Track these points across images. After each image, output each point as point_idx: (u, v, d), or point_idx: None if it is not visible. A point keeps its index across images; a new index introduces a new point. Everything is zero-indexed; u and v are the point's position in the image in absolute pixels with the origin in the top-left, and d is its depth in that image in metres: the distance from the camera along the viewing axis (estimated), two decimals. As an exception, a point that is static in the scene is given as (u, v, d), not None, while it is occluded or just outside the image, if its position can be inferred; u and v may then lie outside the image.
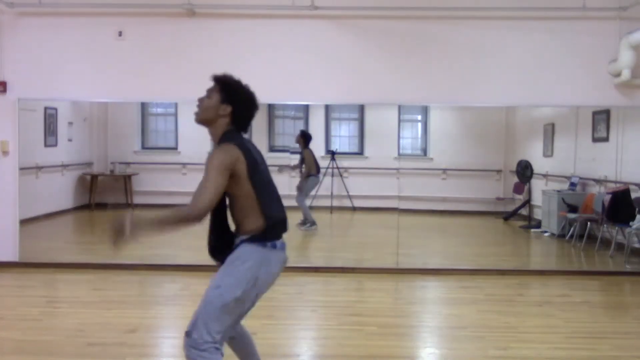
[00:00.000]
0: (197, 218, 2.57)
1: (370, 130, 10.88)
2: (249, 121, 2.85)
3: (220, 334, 2.68)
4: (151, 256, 7.01)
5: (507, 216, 9.97)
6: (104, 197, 10.41)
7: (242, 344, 3.02)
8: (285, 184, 8.94)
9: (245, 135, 2.89)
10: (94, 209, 10.23)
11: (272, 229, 2.75)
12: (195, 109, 2.80)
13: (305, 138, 8.97)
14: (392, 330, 4.54)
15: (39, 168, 8.59)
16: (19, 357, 3.85)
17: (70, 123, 9.74)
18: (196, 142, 11.02)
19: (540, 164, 9.53)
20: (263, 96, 7.16)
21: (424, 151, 11.10)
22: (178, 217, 2.59)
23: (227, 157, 2.62)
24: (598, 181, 8.09)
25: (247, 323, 4.56)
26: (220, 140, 2.76)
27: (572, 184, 8.64)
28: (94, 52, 6.50)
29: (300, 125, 10.18)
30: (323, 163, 10.03)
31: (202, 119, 2.80)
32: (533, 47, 6.47)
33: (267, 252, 2.73)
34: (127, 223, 2.56)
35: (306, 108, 10.31)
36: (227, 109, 2.77)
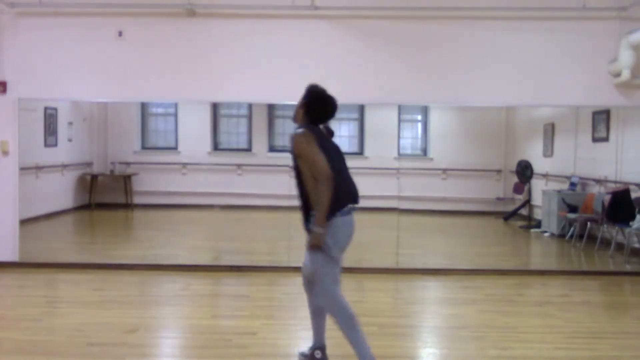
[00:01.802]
0: (329, 179, 3.24)
1: (370, 130, 10.89)
2: (321, 115, 3.50)
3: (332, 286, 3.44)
4: (151, 256, 7.02)
5: (507, 216, 9.97)
6: (104, 197, 10.42)
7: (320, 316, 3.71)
8: (285, 184, 8.95)
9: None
10: (94, 209, 10.24)
11: (337, 201, 3.29)
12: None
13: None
14: (392, 330, 4.54)
15: (39, 168, 8.60)
16: (19, 357, 3.85)
17: (70, 123, 9.75)
18: (196, 142, 11.15)
19: (540, 164, 9.53)
20: (263, 96, 7.15)
21: (424, 151, 11.11)
22: (324, 193, 3.23)
23: (305, 136, 3.35)
24: (598, 181, 8.09)
25: (247, 323, 4.58)
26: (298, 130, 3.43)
27: (572, 184, 8.64)
28: (94, 52, 6.50)
29: (300, 126, 10.19)
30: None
31: (294, 118, 3.56)
32: (533, 47, 6.47)
33: (337, 219, 3.32)
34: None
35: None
36: (303, 105, 3.50)
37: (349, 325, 3.36)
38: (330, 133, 3.51)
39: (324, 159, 3.26)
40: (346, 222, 3.37)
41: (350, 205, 3.41)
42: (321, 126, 3.55)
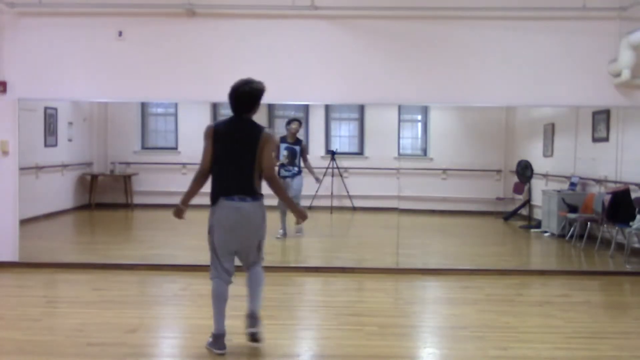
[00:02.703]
0: (199, 172, 3.84)
1: (370, 130, 10.88)
2: (234, 106, 3.87)
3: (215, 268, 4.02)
4: (151, 256, 7.02)
5: (507, 216, 9.97)
6: (104, 197, 10.42)
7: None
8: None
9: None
10: (94, 209, 10.23)
11: (217, 191, 3.81)
12: None
13: (300, 125, 7.98)
14: (392, 330, 4.54)
15: (39, 168, 8.60)
16: (19, 357, 3.85)
17: (70, 123, 9.75)
18: (196, 142, 11.11)
19: (540, 164, 9.53)
20: (263, 96, 7.09)
21: (424, 151, 11.11)
22: (193, 180, 3.86)
23: (205, 131, 3.86)
24: (598, 181, 8.10)
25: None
26: None
27: (572, 184, 8.64)
28: (94, 52, 6.50)
29: (300, 126, 10.19)
30: (323, 163, 10.02)
31: None
32: (533, 47, 6.46)
33: (220, 202, 3.80)
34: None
35: (306, 108, 10.31)
36: None
37: (213, 299, 4.01)
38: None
39: (208, 155, 3.78)
40: (223, 206, 3.79)
41: (240, 195, 3.78)
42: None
